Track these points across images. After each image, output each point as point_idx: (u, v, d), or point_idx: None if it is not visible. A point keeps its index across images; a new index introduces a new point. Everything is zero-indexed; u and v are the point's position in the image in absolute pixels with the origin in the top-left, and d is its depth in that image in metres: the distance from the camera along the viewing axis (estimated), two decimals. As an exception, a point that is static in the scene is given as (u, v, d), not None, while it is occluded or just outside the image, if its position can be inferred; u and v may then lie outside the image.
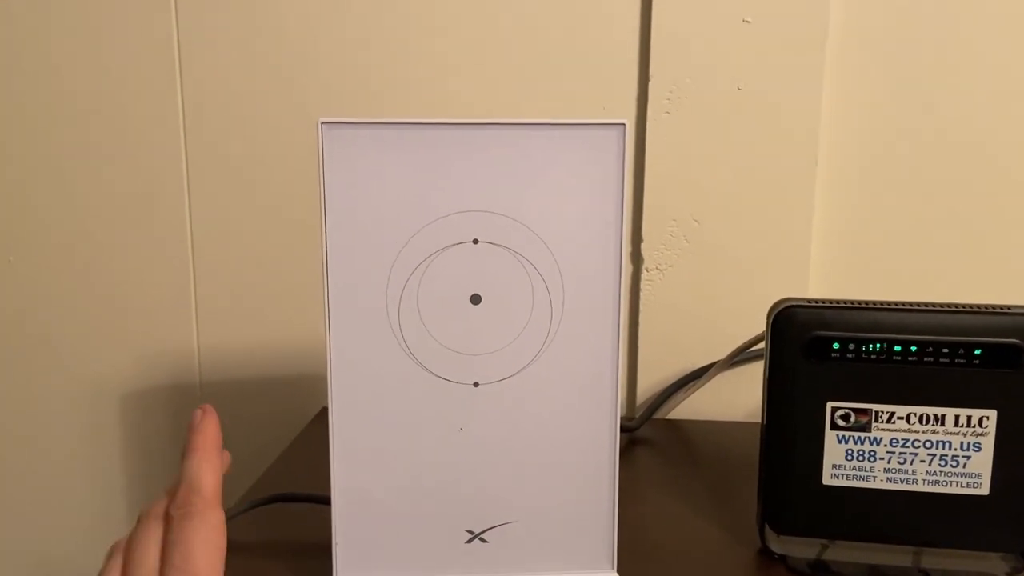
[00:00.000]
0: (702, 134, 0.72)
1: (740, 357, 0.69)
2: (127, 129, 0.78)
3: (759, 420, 0.50)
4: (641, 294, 0.75)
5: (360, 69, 0.76)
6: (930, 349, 0.46)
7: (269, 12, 0.75)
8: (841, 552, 0.49)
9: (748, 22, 0.70)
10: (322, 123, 0.40)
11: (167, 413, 0.83)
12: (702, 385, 0.72)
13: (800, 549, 0.49)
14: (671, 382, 0.75)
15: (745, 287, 0.74)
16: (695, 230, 0.74)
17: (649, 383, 0.76)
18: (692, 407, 0.76)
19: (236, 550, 0.51)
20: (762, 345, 0.66)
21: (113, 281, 0.81)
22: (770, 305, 0.49)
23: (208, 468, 0.35)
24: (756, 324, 0.65)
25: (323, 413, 0.77)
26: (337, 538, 0.44)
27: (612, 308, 0.43)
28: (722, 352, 0.70)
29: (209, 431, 0.36)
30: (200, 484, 0.34)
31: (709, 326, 0.75)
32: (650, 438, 0.71)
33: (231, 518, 0.53)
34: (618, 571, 0.45)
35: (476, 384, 0.43)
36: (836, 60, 0.71)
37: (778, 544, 0.49)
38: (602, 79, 0.74)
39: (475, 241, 0.42)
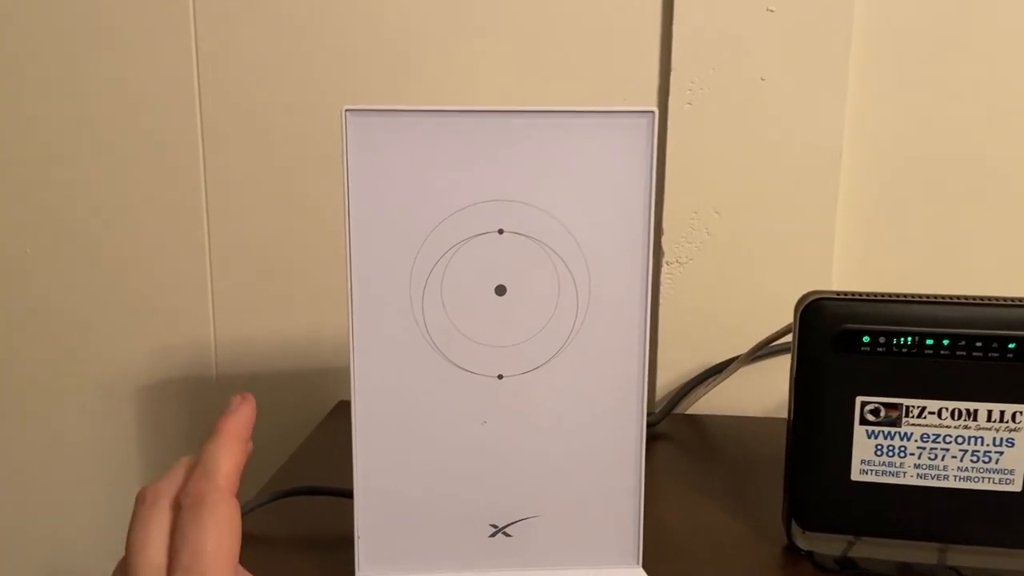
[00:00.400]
0: (724, 125, 0.71)
1: (762, 352, 0.68)
2: (144, 121, 0.78)
3: (781, 416, 0.49)
4: (661, 288, 0.74)
5: (377, 57, 0.75)
6: (963, 343, 0.45)
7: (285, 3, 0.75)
8: (869, 549, 0.48)
9: (772, 11, 0.69)
10: (346, 111, 0.40)
11: (183, 405, 0.83)
12: (723, 380, 0.71)
13: (827, 545, 0.48)
14: (691, 377, 0.74)
15: (767, 281, 0.73)
16: (716, 223, 0.73)
17: (669, 378, 0.75)
18: (712, 402, 0.75)
19: (256, 543, 0.51)
20: (784, 339, 0.66)
21: (130, 273, 0.81)
22: (793, 298, 0.48)
23: (228, 454, 0.32)
24: (778, 318, 0.64)
25: (340, 406, 0.77)
26: (359, 531, 0.43)
27: (639, 299, 0.42)
28: (743, 346, 0.69)
29: (242, 418, 0.34)
30: (216, 470, 0.31)
31: (730, 320, 0.74)
32: (670, 433, 0.70)
33: (251, 510, 0.53)
34: (643, 567, 0.44)
35: (500, 376, 0.42)
36: (861, 50, 0.70)
37: (804, 540, 0.49)
38: (623, 70, 0.73)
39: (500, 231, 0.41)
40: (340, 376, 0.80)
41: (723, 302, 0.74)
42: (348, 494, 0.51)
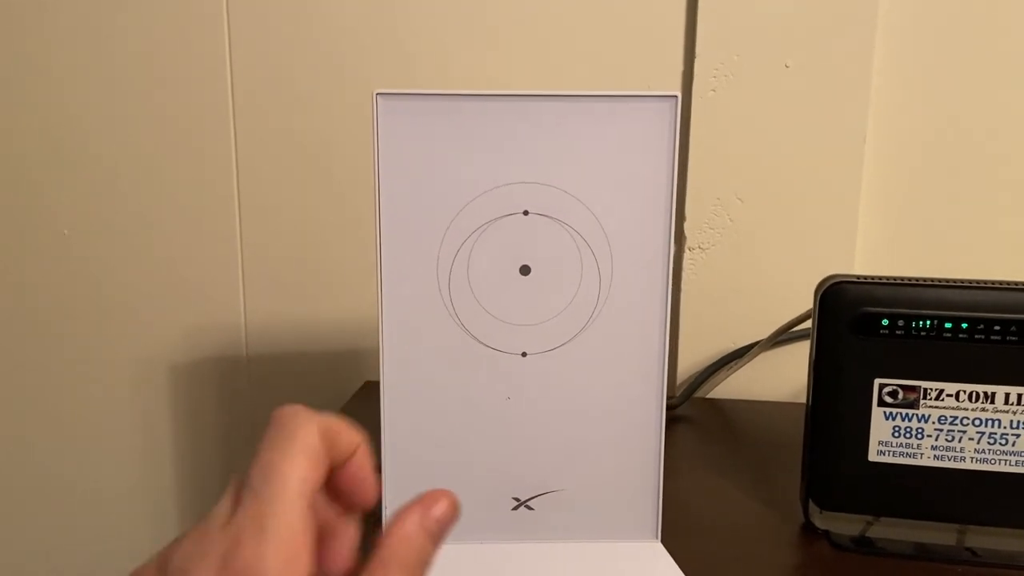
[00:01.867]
0: (748, 112, 0.71)
1: (782, 337, 0.69)
2: (176, 103, 0.80)
3: (800, 401, 0.49)
4: (683, 273, 0.75)
5: (403, 41, 0.76)
6: (981, 326, 0.45)
7: (316, -10, 0.76)
8: (886, 529, 0.49)
9: (797, -2, 0.69)
10: (377, 95, 0.41)
11: (214, 385, 0.85)
12: (744, 364, 0.72)
13: (844, 525, 0.49)
14: (712, 361, 0.75)
15: (789, 266, 0.74)
16: (739, 209, 0.73)
17: (690, 362, 0.76)
18: (733, 386, 0.76)
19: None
20: (806, 325, 0.66)
21: (162, 256, 0.83)
22: (814, 285, 0.49)
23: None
24: (800, 303, 0.64)
25: (366, 387, 0.79)
26: (386, 503, 0.45)
27: (661, 280, 0.43)
28: (764, 332, 0.70)
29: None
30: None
31: (751, 305, 0.74)
32: (690, 416, 0.71)
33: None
34: (661, 542, 0.46)
35: (524, 354, 0.44)
36: (887, 36, 0.70)
37: (821, 520, 0.49)
38: (647, 56, 0.73)
39: (525, 212, 0.42)
40: (367, 357, 0.82)
41: (744, 288, 0.75)
42: (374, 468, 0.52)
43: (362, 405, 0.74)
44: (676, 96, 0.41)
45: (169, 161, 0.81)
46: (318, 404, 0.86)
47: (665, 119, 0.41)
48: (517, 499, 0.45)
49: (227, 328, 0.84)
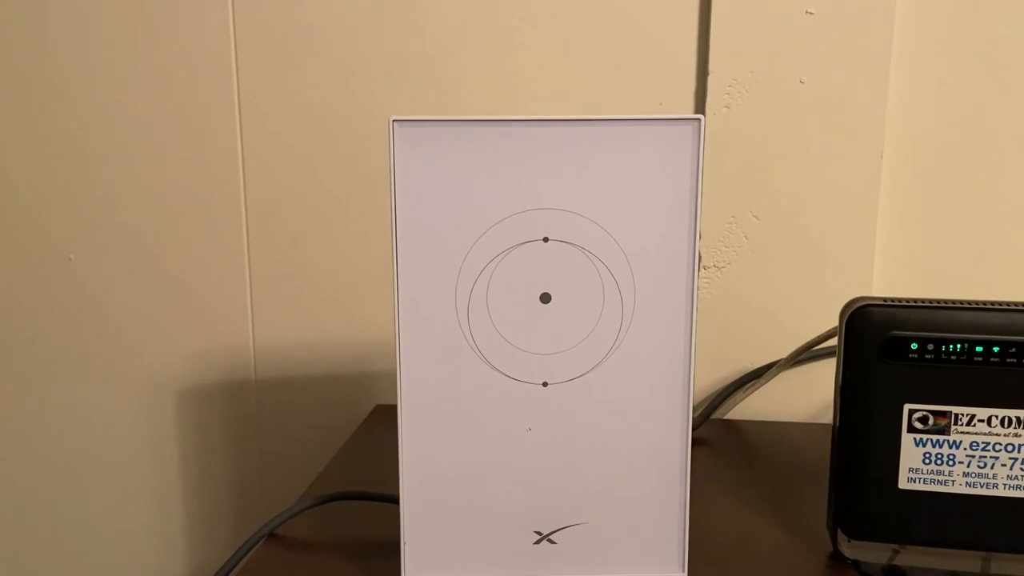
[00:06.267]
0: (763, 129, 0.71)
1: (801, 357, 0.67)
2: (184, 128, 0.79)
3: (820, 421, 0.48)
4: (698, 292, 0.74)
5: (417, 67, 0.75)
6: (1013, 350, 0.44)
7: (324, 10, 0.76)
8: (915, 557, 0.47)
9: (811, 13, 0.68)
10: (393, 121, 0.40)
11: (222, 409, 0.84)
12: (762, 385, 0.71)
13: (872, 554, 0.48)
14: (729, 382, 0.74)
15: (806, 285, 0.72)
16: (754, 227, 0.72)
17: (707, 383, 0.75)
18: (751, 407, 0.74)
19: (299, 548, 0.52)
20: (825, 344, 0.65)
21: (171, 279, 0.82)
22: (833, 303, 0.48)
23: None
24: (817, 323, 0.63)
25: (377, 411, 0.78)
26: (406, 537, 0.43)
27: (684, 307, 0.42)
28: (782, 351, 0.69)
29: None
30: None
31: (768, 325, 0.73)
32: (709, 438, 0.70)
33: (294, 515, 0.53)
34: (687, 574, 0.44)
35: (545, 384, 0.43)
36: (902, 51, 0.70)
37: (850, 549, 0.48)
38: (660, 74, 0.73)
39: (545, 239, 0.41)
40: (377, 380, 0.81)
41: (761, 307, 0.73)
42: (392, 499, 0.51)
43: (374, 429, 0.73)
44: (700, 119, 0.40)
45: (176, 184, 0.80)
46: (329, 428, 0.86)
47: (688, 142, 0.40)
48: (539, 532, 0.44)
49: (236, 352, 0.83)
